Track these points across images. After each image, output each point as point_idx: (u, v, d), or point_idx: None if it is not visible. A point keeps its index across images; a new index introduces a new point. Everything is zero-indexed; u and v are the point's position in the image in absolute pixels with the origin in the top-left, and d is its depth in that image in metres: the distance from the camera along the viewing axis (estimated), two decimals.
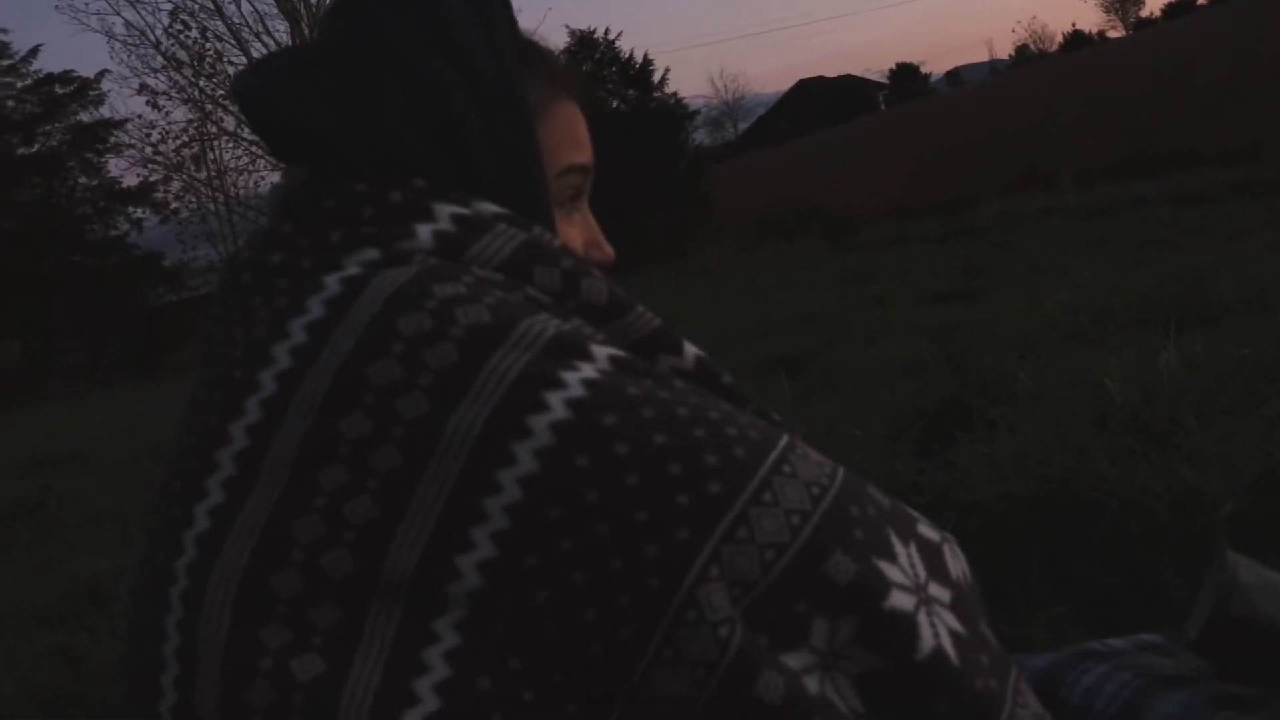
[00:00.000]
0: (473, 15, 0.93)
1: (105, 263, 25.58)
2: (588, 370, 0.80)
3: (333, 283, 0.84)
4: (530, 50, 0.99)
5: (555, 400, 0.78)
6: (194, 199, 21.54)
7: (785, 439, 0.83)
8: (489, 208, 0.89)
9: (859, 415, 4.12)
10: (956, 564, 0.85)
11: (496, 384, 0.78)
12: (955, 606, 0.82)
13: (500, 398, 0.78)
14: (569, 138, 0.99)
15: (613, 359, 0.82)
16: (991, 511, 2.79)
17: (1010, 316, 5.84)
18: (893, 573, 0.79)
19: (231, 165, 20.68)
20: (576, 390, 0.78)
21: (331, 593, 0.77)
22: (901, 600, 0.78)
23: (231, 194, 20.32)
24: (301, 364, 0.82)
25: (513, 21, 0.96)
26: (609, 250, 1.03)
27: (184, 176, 20.46)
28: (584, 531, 0.75)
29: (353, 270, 0.85)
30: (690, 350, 0.90)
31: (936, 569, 0.83)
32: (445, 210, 0.88)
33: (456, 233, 0.87)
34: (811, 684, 0.76)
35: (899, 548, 0.81)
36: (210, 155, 20.81)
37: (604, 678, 0.75)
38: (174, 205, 24.39)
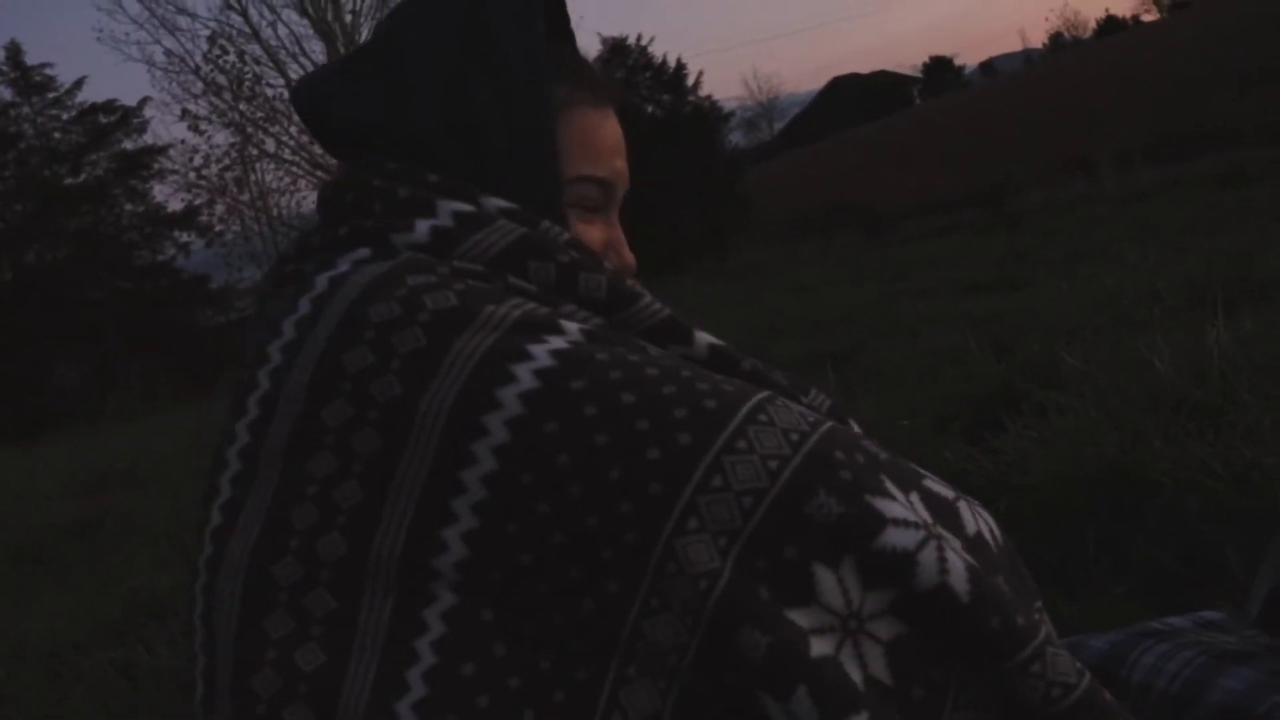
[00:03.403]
0: (512, 11, 0.94)
1: (155, 287, 25.87)
2: (556, 342, 0.81)
3: (321, 281, 0.88)
4: (561, 51, 0.99)
5: (523, 372, 0.79)
6: (238, 221, 21.85)
7: (764, 393, 0.82)
8: (497, 203, 0.91)
9: (906, 406, 4.09)
10: (976, 521, 0.83)
11: (465, 362, 0.80)
12: (971, 550, 0.80)
13: (469, 374, 0.79)
14: (585, 146, 0.99)
15: (585, 331, 0.84)
16: (1045, 494, 2.76)
17: (1054, 303, 5.77)
18: (890, 508, 0.78)
19: (273, 186, 20.95)
20: (544, 360, 0.80)
21: (328, 578, 0.79)
22: (898, 536, 0.77)
23: (274, 214, 20.54)
24: (289, 358, 0.86)
25: (548, 20, 0.97)
26: (629, 258, 1.03)
27: (227, 199, 20.79)
28: (559, 493, 0.76)
29: (342, 268, 0.88)
30: (703, 338, 0.91)
31: (947, 519, 0.81)
32: (449, 207, 0.90)
33: (454, 228, 0.89)
34: (820, 645, 0.75)
35: (896, 491, 0.79)
36: (252, 177, 21.06)
37: (597, 639, 0.76)
38: (219, 228, 24.74)
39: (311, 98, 0.98)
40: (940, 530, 0.79)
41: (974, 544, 0.81)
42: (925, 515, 0.79)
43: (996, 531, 0.85)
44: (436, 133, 0.92)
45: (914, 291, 8.54)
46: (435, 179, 0.91)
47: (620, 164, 1.02)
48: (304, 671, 0.78)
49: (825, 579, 0.76)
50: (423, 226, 0.89)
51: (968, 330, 5.23)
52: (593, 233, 1.00)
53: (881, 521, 0.77)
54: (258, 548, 0.82)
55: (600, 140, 1.01)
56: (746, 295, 11.49)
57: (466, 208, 0.90)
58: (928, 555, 0.77)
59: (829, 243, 16.17)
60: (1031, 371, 4.00)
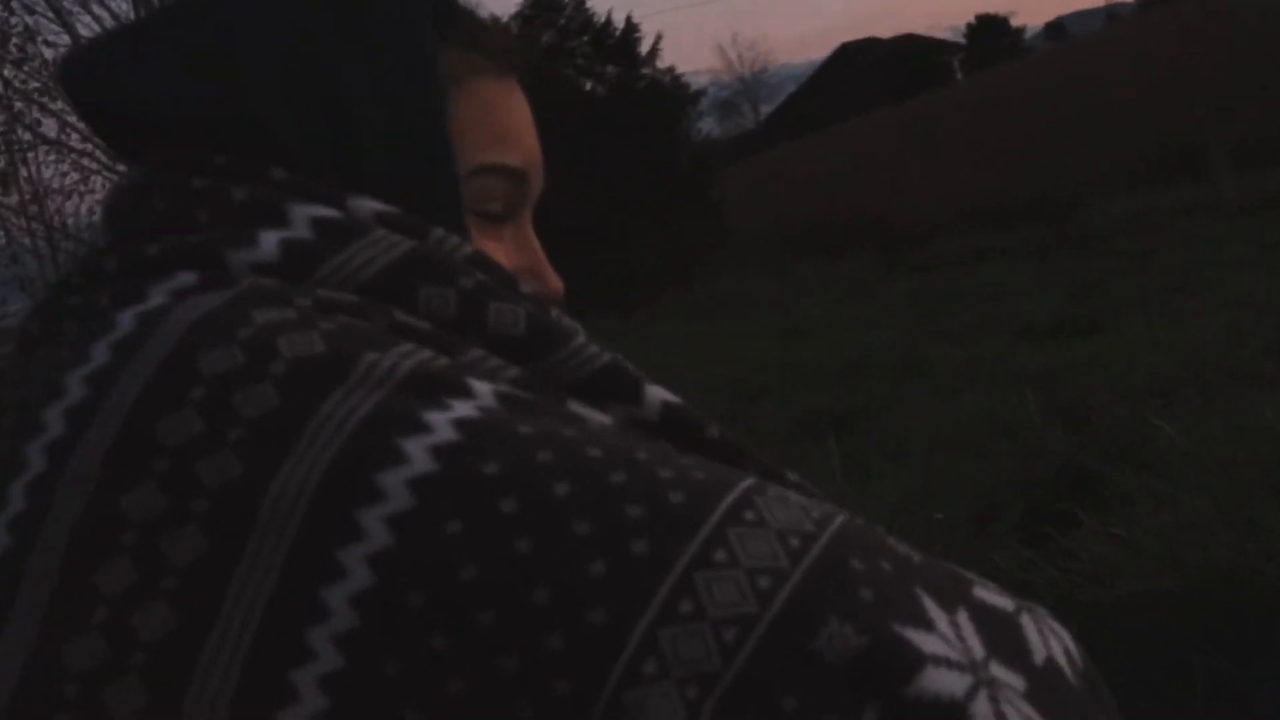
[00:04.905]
0: None
1: None
2: (462, 408, 0.80)
3: (126, 320, 0.86)
4: (448, 8, 1.01)
5: (415, 449, 0.78)
6: (1, 232, 21.72)
7: (750, 481, 0.81)
8: (370, 206, 0.91)
9: (938, 492, 4.12)
10: (1046, 643, 0.81)
11: (334, 432, 0.79)
12: (1035, 699, 0.77)
13: (339, 451, 0.78)
14: (490, 127, 1.00)
15: (500, 395, 0.83)
16: (1131, 615, 2.77)
17: (1144, 352, 5.87)
18: (926, 643, 0.75)
19: (54, 185, 20.84)
20: (445, 434, 0.78)
21: None
22: (941, 680, 0.74)
23: (55, 223, 20.48)
24: (75, 429, 0.84)
25: None
26: (554, 284, 1.03)
27: None
28: (460, 624, 0.74)
29: (155, 301, 0.87)
30: (655, 395, 0.90)
31: (1004, 645, 0.79)
32: (304, 213, 0.89)
33: (312, 242, 0.88)
34: None
35: (936, 613, 0.78)
36: (23, 172, 20.99)
37: None
38: None
39: (90, 73, 0.97)
40: (994, 671, 0.77)
41: (1043, 677, 0.79)
42: (976, 646, 0.77)
43: (1075, 652, 0.84)
44: (278, 114, 0.93)
45: (949, 335, 8.65)
46: (282, 175, 0.91)
47: (535, 149, 1.03)
48: None
49: None
50: (270, 240, 0.88)
51: (1024, 390, 5.28)
52: (502, 245, 1.00)
53: (917, 660, 0.75)
54: (16, 701, 0.80)
55: (508, 118, 1.02)
56: (720, 339, 11.58)
57: (330, 213, 0.90)
58: (981, 708, 0.75)
59: (834, 268, 16.33)
60: (1112, 446, 4.05)
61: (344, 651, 0.75)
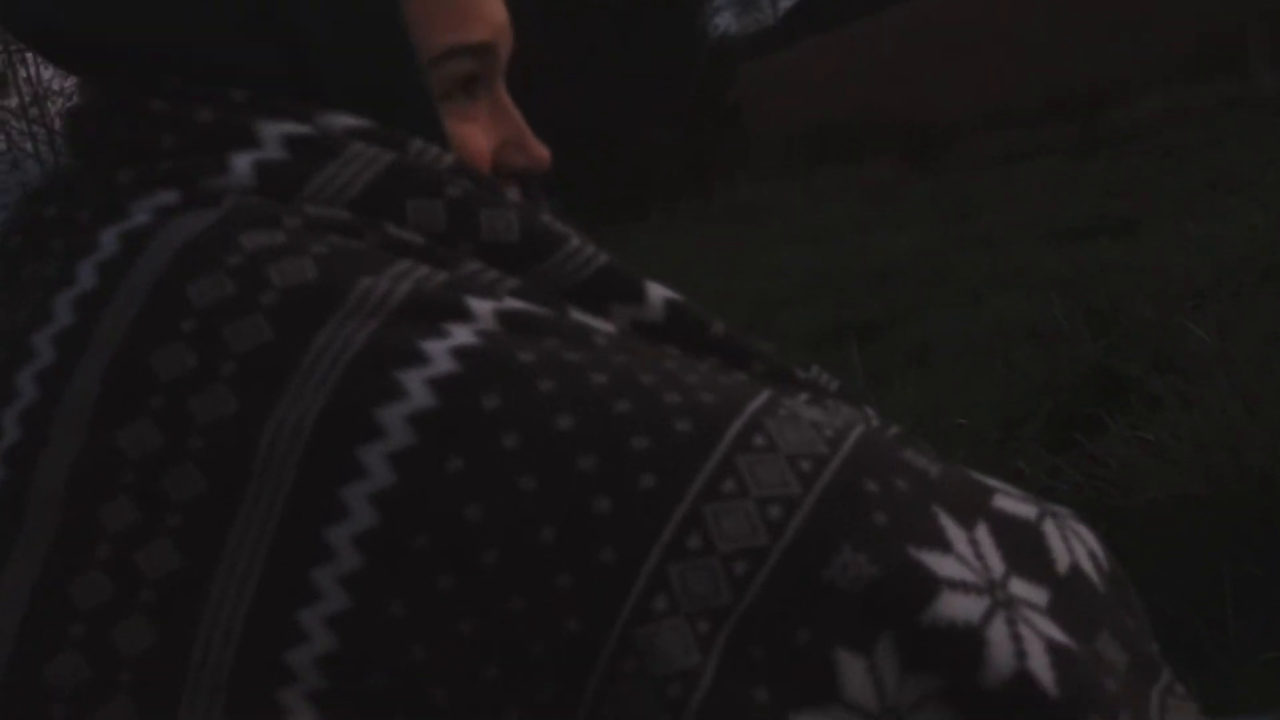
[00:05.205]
0: None
1: None
2: (462, 335, 0.80)
3: (109, 239, 0.85)
4: None
5: (414, 381, 0.78)
6: (1, 136, 21.59)
7: (762, 398, 0.81)
8: (340, 121, 0.89)
9: (962, 398, 4.12)
10: (1071, 549, 0.82)
11: (330, 366, 0.78)
12: (1057, 611, 0.79)
13: (336, 385, 0.78)
14: (445, 6, 0.96)
15: (500, 314, 0.82)
16: (1159, 521, 2.79)
17: (1177, 254, 5.81)
18: (942, 566, 0.76)
19: (54, 87, 20.73)
20: (444, 364, 0.78)
21: (126, 682, 0.78)
22: (956, 605, 0.75)
23: (56, 126, 20.36)
24: (67, 356, 0.83)
25: None
26: (539, 152, 1.01)
27: None
28: (466, 564, 0.75)
29: (139, 220, 0.85)
30: (657, 293, 0.90)
31: (1025, 559, 0.80)
32: (274, 130, 0.88)
33: (289, 161, 0.87)
34: None
35: (954, 532, 0.78)
36: (22, 73, 20.87)
37: None
38: None
39: (23, 4, 0.95)
40: (1013, 589, 0.78)
41: (1067, 587, 0.80)
42: (996, 563, 0.78)
43: (1101, 555, 0.84)
44: (222, 33, 0.90)
45: (976, 240, 8.60)
46: (243, 96, 0.89)
47: (499, 11, 1.00)
48: None
49: (852, 669, 0.75)
50: (242, 163, 0.86)
51: (1052, 293, 5.26)
52: (474, 132, 0.98)
53: (932, 585, 0.76)
54: (23, 637, 0.80)
55: None
56: (739, 247, 11.53)
57: (302, 129, 0.88)
58: (997, 631, 0.76)
59: (857, 171, 16.23)
60: (1142, 349, 4.04)
61: (350, 592, 0.76)
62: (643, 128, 18.66)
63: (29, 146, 21.00)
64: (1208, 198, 7.49)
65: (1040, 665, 0.76)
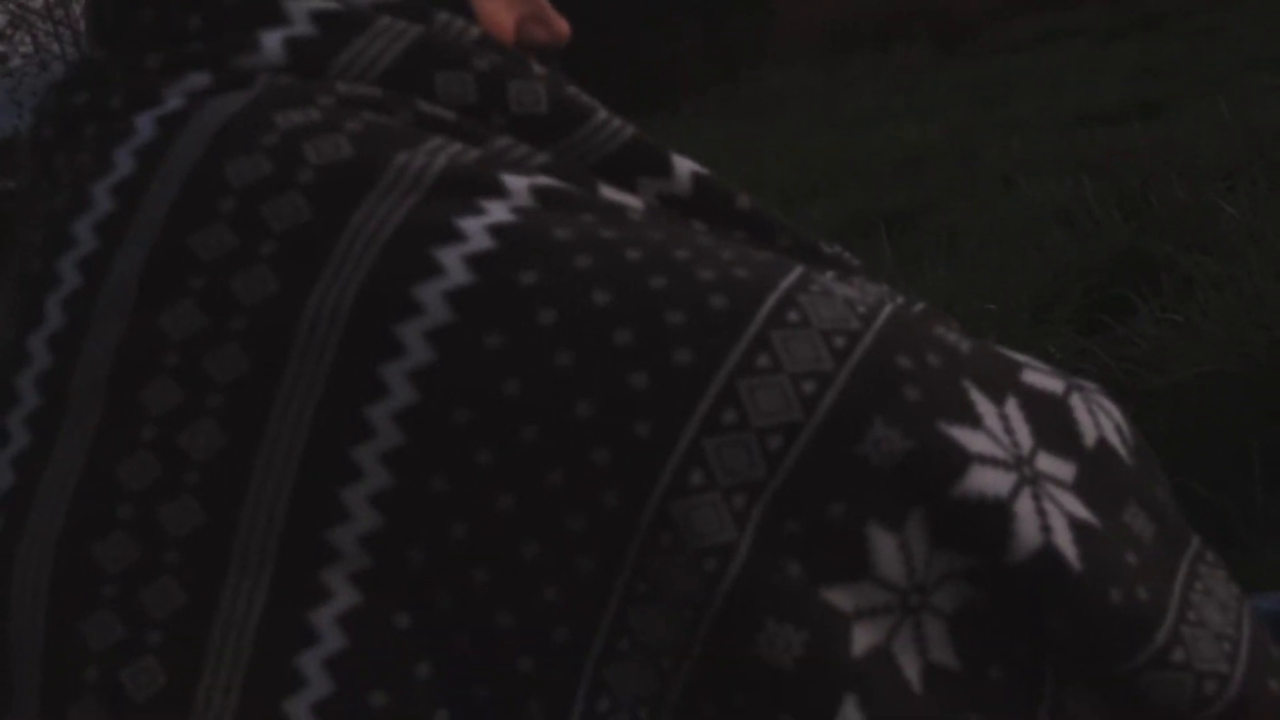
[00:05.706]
0: None
1: None
2: (498, 211, 0.80)
3: (145, 125, 0.85)
4: None
5: (450, 258, 0.78)
6: (28, 38, 21.45)
7: (795, 273, 0.81)
8: None
9: (993, 283, 4.11)
10: (1097, 423, 0.83)
11: (367, 244, 0.79)
12: (1082, 487, 0.80)
13: (373, 263, 0.78)
14: None
15: (536, 190, 0.82)
16: (1190, 400, 2.78)
17: (1208, 134, 5.76)
18: (973, 441, 0.77)
19: None
20: (480, 241, 0.78)
21: (174, 562, 0.78)
22: (986, 480, 0.76)
23: (83, 27, 20.27)
24: (108, 242, 0.84)
25: None
26: (561, 26, 1.01)
27: (11, 6, 20.38)
28: (505, 438, 0.76)
29: (173, 104, 0.86)
30: (684, 166, 0.90)
31: (1053, 433, 0.81)
32: (302, 7, 0.88)
33: (318, 37, 0.87)
34: (866, 635, 0.75)
35: (984, 406, 0.79)
36: None
37: (561, 648, 0.76)
38: None
39: None
40: (1040, 464, 0.79)
41: (1094, 460, 0.81)
42: (1025, 438, 0.79)
43: (1126, 429, 0.85)
44: None
45: (1006, 125, 8.52)
46: None
47: None
48: (136, 701, 0.77)
49: (883, 544, 0.76)
50: (272, 40, 0.86)
51: (1083, 176, 5.23)
52: (501, 4, 0.98)
53: (963, 460, 0.77)
54: (71, 519, 0.80)
55: None
56: (767, 137, 11.46)
57: (328, 4, 0.88)
58: (1024, 506, 0.77)
59: (885, 59, 16.06)
60: (1174, 230, 4.01)
61: (392, 469, 0.77)
62: (664, 18, 18.46)
63: (55, 48, 20.85)
64: (1240, 78, 7.41)
65: (1064, 540, 0.77)
